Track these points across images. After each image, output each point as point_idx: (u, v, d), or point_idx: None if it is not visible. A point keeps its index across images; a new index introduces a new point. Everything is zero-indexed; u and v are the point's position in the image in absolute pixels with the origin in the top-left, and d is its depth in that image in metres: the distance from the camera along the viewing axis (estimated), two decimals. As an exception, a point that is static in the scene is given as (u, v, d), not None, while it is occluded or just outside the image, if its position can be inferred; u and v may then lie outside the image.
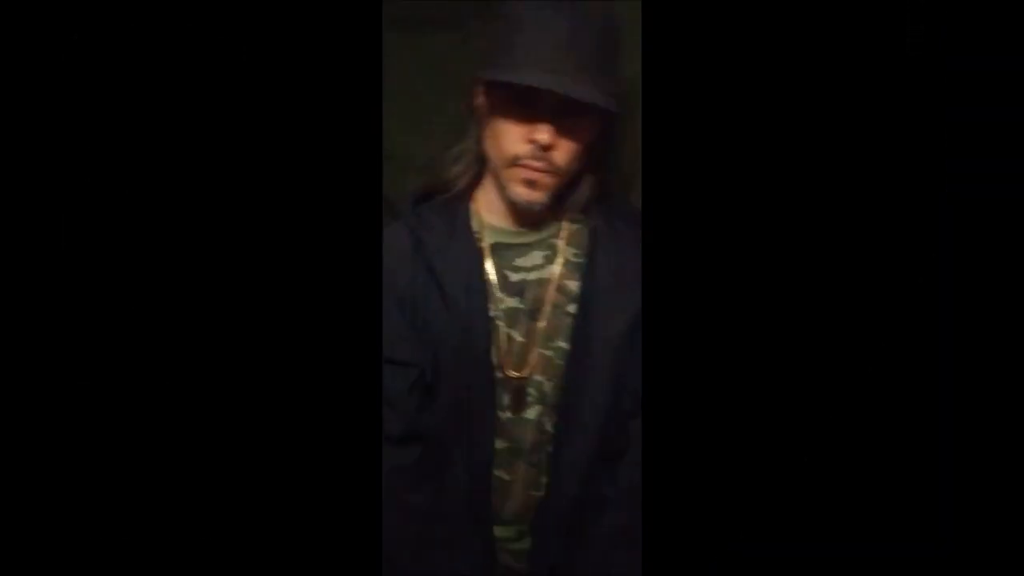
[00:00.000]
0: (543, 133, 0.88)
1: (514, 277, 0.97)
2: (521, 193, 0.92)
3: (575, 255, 0.98)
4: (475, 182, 0.99)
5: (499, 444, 0.96)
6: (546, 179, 0.92)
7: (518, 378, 0.95)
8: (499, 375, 0.95)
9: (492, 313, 0.95)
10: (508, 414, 0.96)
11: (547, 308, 0.96)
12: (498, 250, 0.97)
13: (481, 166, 0.98)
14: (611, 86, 0.88)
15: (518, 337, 0.95)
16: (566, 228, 0.98)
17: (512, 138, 0.91)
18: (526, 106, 0.90)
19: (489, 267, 0.97)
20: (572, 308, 0.96)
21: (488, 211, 0.99)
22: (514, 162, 0.91)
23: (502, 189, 0.95)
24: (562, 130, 0.90)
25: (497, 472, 0.96)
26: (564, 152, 0.91)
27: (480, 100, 0.94)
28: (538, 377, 0.95)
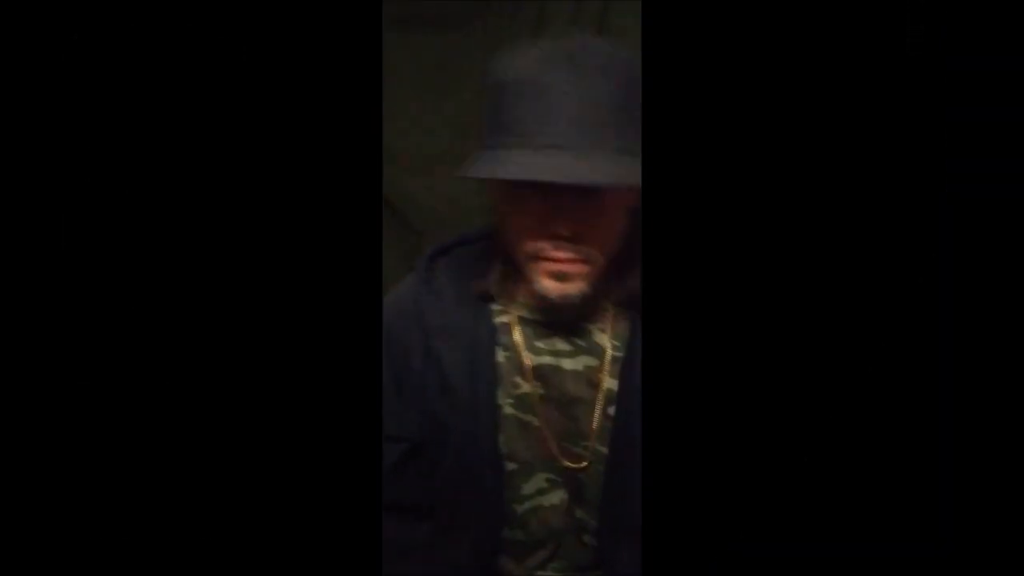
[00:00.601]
0: (561, 225, 0.74)
1: (535, 360, 0.83)
2: (550, 288, 0.77)
3: (615, 347, 0.83)
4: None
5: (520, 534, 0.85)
6: (578, 269, 0.77)
7: (580, 469, 0.83)
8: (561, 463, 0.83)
9: (500, 401, 0.83)
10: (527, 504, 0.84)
11: (591, 403, 0.83)
12: (522, 324, 0.84)
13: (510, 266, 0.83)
14: (638, 149, 0.72)
15: (536, 423, 0.83)
16: (611, 315, 0.84)
17: (528, 232, 0.76)
18: (537, 192, 0.74)
19: (508, 344, 0.83)
20: (611, 410, 0.83)
21: (520, 304, 0.85)
22: (536, 257, 0.77)
23: (530, 284, 0.79)
24: (587, 214, 0.75)
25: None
26: (596, 238, 0.76)
27: (489, 185, 0.79)
28: (591, 471, 0.84)
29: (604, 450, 0.82)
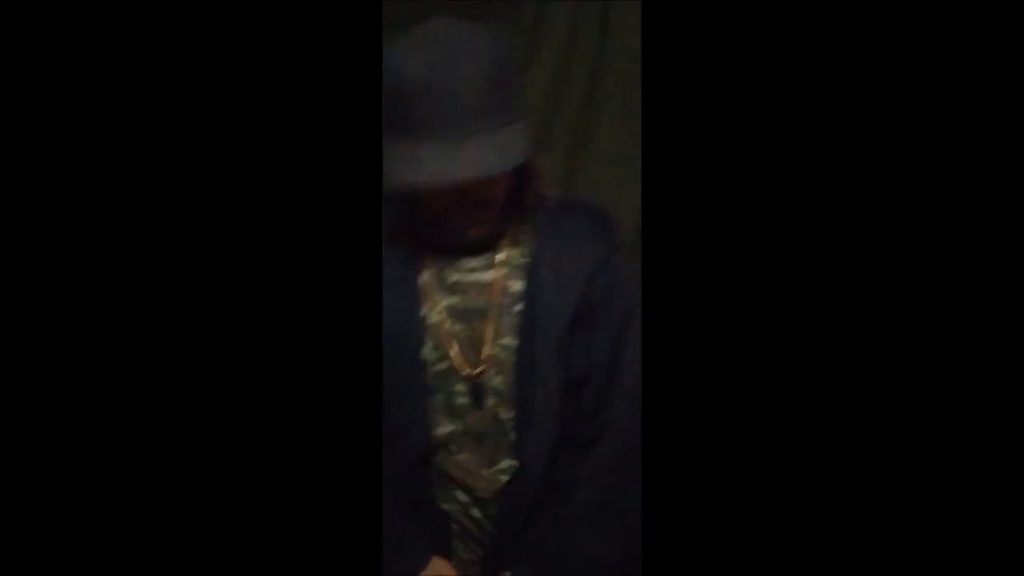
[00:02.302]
0: (460, 206, 0.89)
1: (452, 278, 0.98)
2: (467, 235, 0.94)
3: (520, 256, 0.98)
4: None
5: (453, 427, 0.97)
6: (483, 215, 0.92)
7: (475, 375, 0.96)
8: (461, 373, 0.96)
9: (423, 313, 0.97)
10: (464, 401, 0.97)
11: (492, 310, 0.97)
12: (438, 254, 0.98)
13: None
14: (519, 121, 0.87)
15: (462, 333, 0.97)
16: (510, 232, 0.99)
17: (434, 203, 0.90)
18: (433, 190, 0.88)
19: (427, 273, 0.98)
20: (518, 308, 0.97)
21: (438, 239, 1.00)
22: (446, 215, 0.91)
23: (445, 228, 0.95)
24: (480, 186, 0.88)
25: (457, 457, 0.98)
26: (494, 199, 0.91)
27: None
28: (491, 372, 0.97)
29: (514, 343, 0.96)
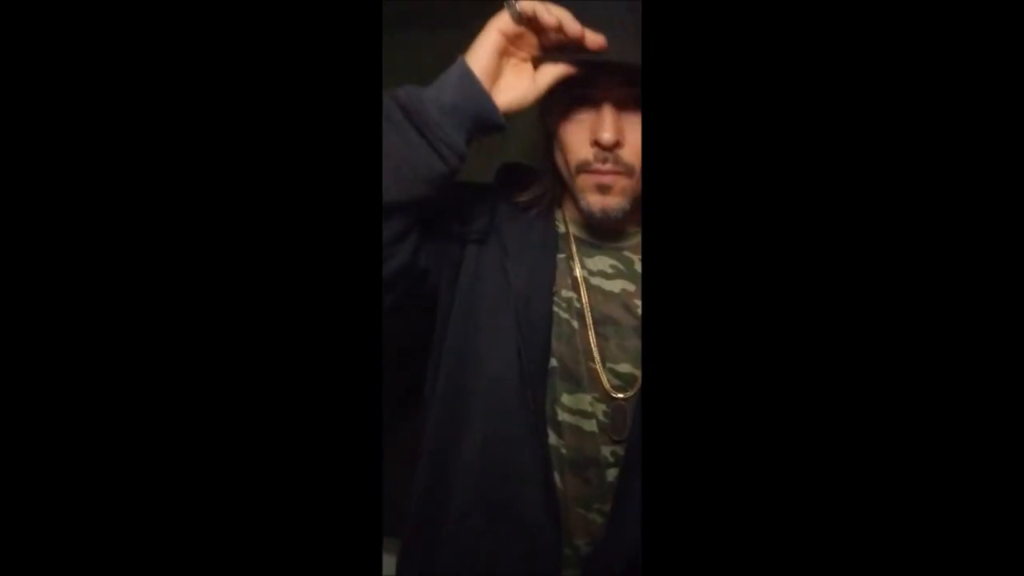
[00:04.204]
0: (606, 130, 0.82)
1: (576, 272, 0.90)
2: (594, 202, 0.86)
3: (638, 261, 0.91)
4: (558, 199, 0.93)
5: (554, 443, 0.88)
6: (621, 182, 0.85)
7: (615, 397, 0.87)
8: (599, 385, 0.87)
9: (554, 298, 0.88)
10: (566, 416, 0.88)
11: (608, 325, 0.89)
12: (572, 243, 0.91)
13: (559, 184, 0.92)
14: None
15: (579, 334, 0.88)
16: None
17: (575, 143, 0.85)
18: (584, 102, 0.84)
19: (559, 257, 0.90)
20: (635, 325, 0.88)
21: (572, 221, 0.93)
22: (582, 169, 0.85)
23: (577, 202, 0.88)
24: (626, 123, 0.83)
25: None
26: (634, 147, 0.84)
27: (545, 111, 0.88)
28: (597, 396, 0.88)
29: (636, 372, 0.87)
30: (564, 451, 0.88)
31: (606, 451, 0.88)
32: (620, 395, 0.87)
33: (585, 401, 0.88)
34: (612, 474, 0.87)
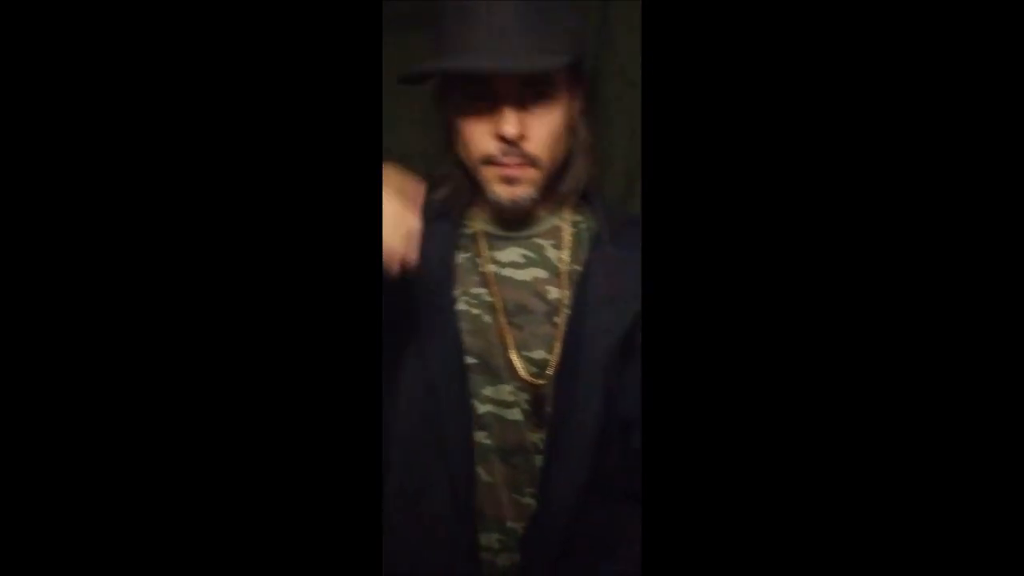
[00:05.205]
0: (508, 124, 0.83)
1: (486, 268, 0.91)
2: (501, 192, 0.88)
3: (568, 261, 0.92)
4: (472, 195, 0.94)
5: (479, 438, 0.90)
6: (528, 173, 0.87)
7: (534, 384, 0.89)
8: (519, 380, 0.89)
9: (457, 293, 0.90)
10: (489, 407, 0.91)
11: (521, 315, 0.91)
12: (481, 240, 0.93)
13: (467, 176, 0.92)
14: (570, 55, 0.84)
15: (493, 328, 0.91)
16: (566, 232, 0.93)
17: (478, 137, 0.86)
18: (484, 99, 0.85)
19: (463, 255, 0.92)
20: (555, 318, 0.90)
21: (482, 218, 0.95)
22: (487, 162, 0.87)
23: (484, 193, 0.90)
24: (530, 117, 0.85)
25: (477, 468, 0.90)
26: (538, 141, 0.86)
27: (441, 102, 0.90)
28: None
29: (548, 357, 0.89)
30: (489, 442, 0.91)
31: (532, 437, 0.91)
32: (540, 382, 0.89)
33: (506, 391, 0.91)
34: (539, 459, 0.90)
